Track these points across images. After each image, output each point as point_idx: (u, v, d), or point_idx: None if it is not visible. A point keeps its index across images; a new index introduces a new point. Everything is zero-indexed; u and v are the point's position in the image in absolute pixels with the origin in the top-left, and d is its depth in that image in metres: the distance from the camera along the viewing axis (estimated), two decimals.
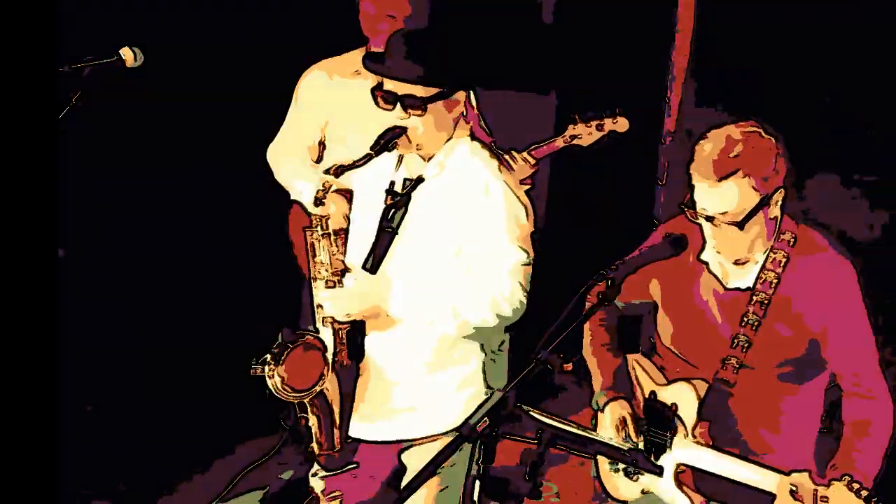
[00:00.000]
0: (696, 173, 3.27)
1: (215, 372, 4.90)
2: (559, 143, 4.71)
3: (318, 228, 3.51)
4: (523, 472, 3.08)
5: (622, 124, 4.64)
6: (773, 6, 5.19)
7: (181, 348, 5.19)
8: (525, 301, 3.46)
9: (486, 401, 2.98)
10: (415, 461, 3.60)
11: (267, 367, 3.43)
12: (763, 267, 3.37)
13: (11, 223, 2.93)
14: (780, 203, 3.30)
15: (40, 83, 3.03)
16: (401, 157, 3.54)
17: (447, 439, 3.41)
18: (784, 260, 3.37)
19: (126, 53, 3.80)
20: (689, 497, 3.41)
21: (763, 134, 3.27)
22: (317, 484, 3.80)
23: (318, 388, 3.48)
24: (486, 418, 2.91)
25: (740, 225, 3.24)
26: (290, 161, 4.68)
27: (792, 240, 3.38)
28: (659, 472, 3.41)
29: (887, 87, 5.06)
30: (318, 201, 3.47)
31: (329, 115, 4.60)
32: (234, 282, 5.35)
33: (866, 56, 5.10)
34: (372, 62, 3.46)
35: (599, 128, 4.65)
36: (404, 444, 3.62)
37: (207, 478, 4.83)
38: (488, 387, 3.60)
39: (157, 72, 3.95)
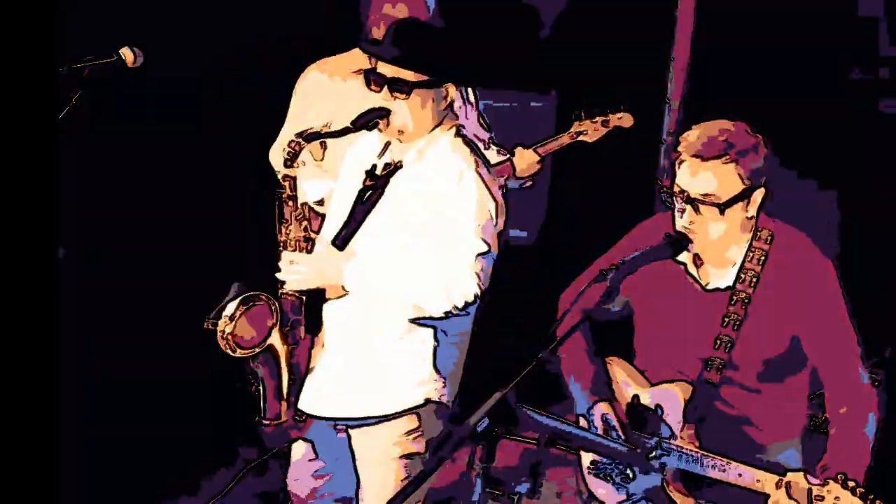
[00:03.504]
0: (684, 153, 3.29)
1: (215, 370, 4.90)
2: (565, 139, 4.77)
3: (286, 189, 3.56)
4: (523, 472, 3.08)
5: (626, 120, 4.74)
6: (774, 6, 5.19)
7: (181, 347, 5.18)
8: (479, 294, 3.48)
9: (486, 401, 2.98)
10: (363, 443, 3.64)
11: (220, 321, 3.48)
12: (742, 266, 3.38)
13: (11, 223, 2.93)
14: (759, 202, 3.32)
15: (40, 83, 3.03)
16: (387, 144, 3.61)
17: (395, 421, 3.58)
18: (763, 258, 3.37)
19: (126, 53, 3.80)
20: (680, 499, 3.41)
21: (752, 132, 3.31)
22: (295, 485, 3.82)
23: (265, 343, 3.51)
24: (486, 418, 2.91)
25: (721, 208, 3.25)
26: None
27: (769, 237, 3.39)
28: (659, 471, 3.41)
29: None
30: (287, 161, 3.53)
31: (330, 114, 4.60)
32: (234, 282, 5.34)
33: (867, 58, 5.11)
34: (367, 44, 3.59)
35: (605, 124, 4.74)
36: (351, 424, 3.65)
37: (207, 477, 4.83)
38: (438, 373, 3.60)
39: (157, 72, 3.95)
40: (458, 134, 3.62)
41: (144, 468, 4.83)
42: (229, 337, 3.49)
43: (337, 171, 4.50)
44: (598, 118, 4.72)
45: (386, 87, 3.49)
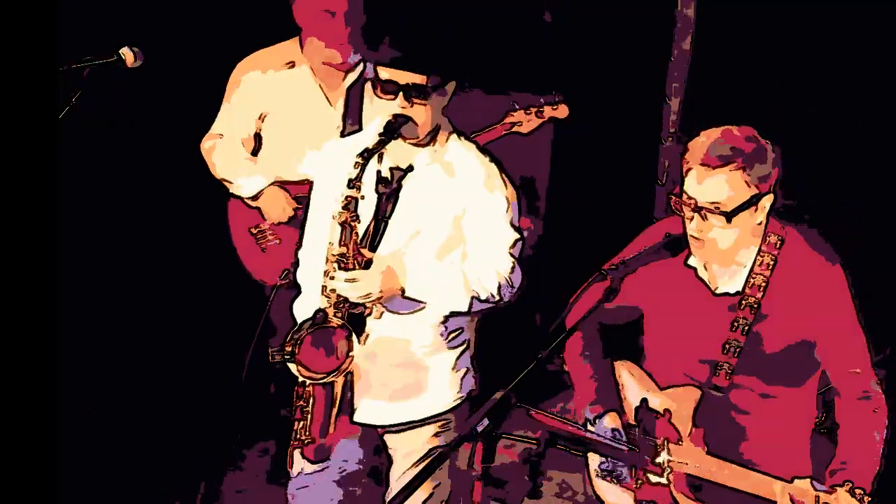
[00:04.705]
0: (691, 161, 3.28)
1: (216, 371, 4.90)
2: (499, 130, 4.79)
3: (348, 210, 3.49)
4: (523, 472, 3.08)
5: (562, 111, 4.74)
6: (775, 7, 5.20)
7: (181, 349, 5.19)
8: (521, 276, 3.62)
9: (486, 401, 2.99)
10: (401, 443, 3.71)
11: (287, 349, 3.45)
12: (751, 271, 3.37)
13: (11, 224, 2.93)
14: (767, 208, 3.31)
15: (40, 83, 3.03)
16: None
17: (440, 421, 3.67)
18: (772, 263, 3.36)
19: (126, 53, 3.81)
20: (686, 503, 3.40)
21: (760, 137, 3.29)
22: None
23: (344, 369, 3.50)
24: (486, 418, 2.91)
25: (728, 217, 3.25)
26: (228, 155, 4.70)
27: (779, 242, 3.37)
28: (660, 471, 3.41)
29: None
30: (352, 182, 3.46)
31: (265, 107, 4.64)
32: (236, 281, 5.35)
33: (867, 61, 5.11)
34: (371, 52, 3.60)
35: (539, 114, 4.76)
36: (393, 429, 3.70)
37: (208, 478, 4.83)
38: (472, 362, 3.74)
39: (157, 72, 3.95)
40: (458, 133, 3.64)
41: (143, 468, 4.83)
42: (300, 363, 3.46)
43: (272, 166, 4.54)
44: (532, 109, 4.75)
45: (401, 93, 3.46)
